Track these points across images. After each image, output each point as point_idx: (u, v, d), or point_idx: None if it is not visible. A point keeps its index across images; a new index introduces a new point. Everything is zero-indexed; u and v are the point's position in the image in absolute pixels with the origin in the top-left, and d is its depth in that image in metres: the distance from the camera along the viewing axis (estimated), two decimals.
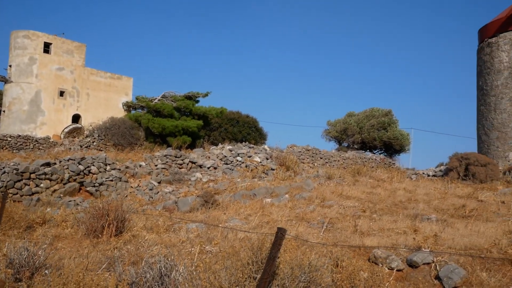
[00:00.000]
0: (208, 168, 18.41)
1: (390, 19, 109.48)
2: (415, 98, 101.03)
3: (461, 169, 18.21)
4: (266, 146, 22.92)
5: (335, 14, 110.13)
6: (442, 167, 20.87)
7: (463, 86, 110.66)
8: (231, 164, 18.72)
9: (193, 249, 7.78)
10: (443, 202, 13.49)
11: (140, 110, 31.86)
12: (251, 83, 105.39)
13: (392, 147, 35.08)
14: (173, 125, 27.10)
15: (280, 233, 4.03)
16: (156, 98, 30.59)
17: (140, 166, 17.88)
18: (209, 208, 12.33)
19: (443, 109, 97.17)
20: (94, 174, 16.10)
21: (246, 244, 5.55)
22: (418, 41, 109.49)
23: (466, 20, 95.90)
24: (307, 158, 24.48)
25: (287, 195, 13.81)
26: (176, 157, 18.51)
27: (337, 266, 6.98)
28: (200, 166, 18.60)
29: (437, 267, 7.16)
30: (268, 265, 4.01)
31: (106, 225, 8.65)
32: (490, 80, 24.14)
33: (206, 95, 30.79)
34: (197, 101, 30.86)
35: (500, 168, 18.73)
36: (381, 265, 7.33)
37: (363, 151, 31.85)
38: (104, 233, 8.60)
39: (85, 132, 29.86)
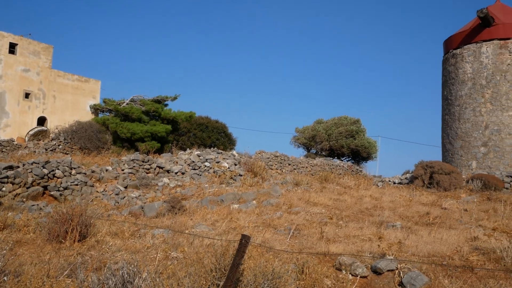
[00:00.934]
0: (176, 173, 18.28)
1: (358, 30, 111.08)
2: (382, 107, 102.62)
3: (426, 177, 18.53)
4: (234, 152, 22.90)
5: (306, 19, 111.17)
6: (408, 174, 21.19)
7: (429, 96, 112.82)
8: (199, 170, 18.63)
9: (158, 255, 7.69)
10: (408, 209, 13.70)
11: (108, 114, 31.44)
12: (221, 88, 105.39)
13: (360, 155, 35.49)
14: (142, 130, 26.82)
15: (244, 240, 4.01)
16: (124, 102, 30.24)
17: (106, 170, 17.63)
18: (176, 213, 12.23)
19: (410, 118, 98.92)
20: (58, 178, 15.80)
21: (210, 250, 5.52)
22: (385, 51, 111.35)
23: (432, 31, 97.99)
24: (276, 164, 24.54)
25: (254, 201, 13.81)
26: (143, 161, 18.32)
27: (302, 273, 7.00)
28: (168, 171, 18.45)
29: (401, 274, 7.25)
30: (232, 272, 3.99)
31: (70, 230, 8.48)
32: (455, 90, 24.68)
33: (175, 98, 30.57)
34: (166, 105, 30.62)
35: (463, 176, 19.13)
36: (345, 272, 7.38)
37: (331, 158, 32.12)
38: (67, 238, 8.42)
39: (50, 135, 29.27)
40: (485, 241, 9.04)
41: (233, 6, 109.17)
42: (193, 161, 18.94)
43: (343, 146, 34.78)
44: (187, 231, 9.96)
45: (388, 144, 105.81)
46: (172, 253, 7.67)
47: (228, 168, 18.98)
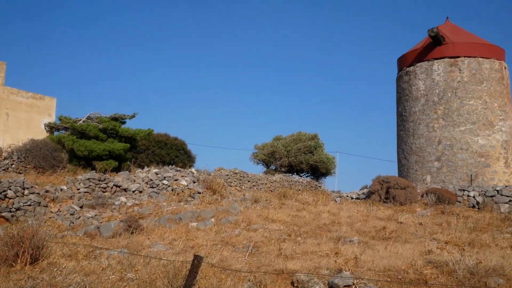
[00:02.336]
0: (133, 191, 18.02)
1: (315, 46, 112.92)
2: (340, 122, 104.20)
3: (383, 192, 18.86)
4: (193, 169, 22.75)
5: (264, 35, 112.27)
6: (365, 190, 21.52)
7: (385, 112, 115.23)
8: (157, 188, 18.42)
9: (113, 276, 7.54)
10: (365, 224, 13.90)
11: (63, 132, 30.75)
12: (180, 105, 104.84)
13: (319, 170, 35.83)
14: (99, 148, 26.30)
15: (197, 261, 3.98)
16: (81, 119, 29.68)
17: (61, 190, 17.21)
18: (133, 233, 12.03)
19: (367, 134, 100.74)
20: (10, 198, 15.31)
21: (162, 271, 5.45)
22: (341, 67, 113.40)
23: (387, 49, 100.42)
24: (235, 181, 24.51)
25: (213, 219, 13.74)
26: (100, 180, 17.98)
27: None
28: (125, 190, 18.16)
29: None
30: None
31: (21, 253, 8.21)
32: (409, 106, 25.33)
33: (133, 116, 30.19)
34: (124, 123, 30.19)
35: (418, 190, 19.55)
36: None
37: (290, 174, 32.31)
38: (18, 261, 8.16)
39: (3, 154, 28.38)
40: (438, 254, 9.25)
41: (188, 23, 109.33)
42: (151, 179, 18.71)
43: (302, 162, 35.05)
44: (144, 251, 9.81)
45: (346, 160, 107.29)
46: (128, 274, 7.53)
47: (187, 185, 18.84)
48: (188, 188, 18.53)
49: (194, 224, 13.24)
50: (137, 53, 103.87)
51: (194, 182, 19.57)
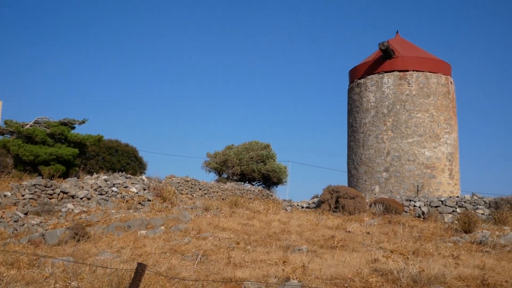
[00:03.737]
0: (81, 198, 17.60)
1: (269, 56, 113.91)
2: (292, 132, 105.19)
3: (332, 201, 19.15)
4: (144, 177, 22.45)
5: (220, 45, 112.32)
6: (315, 199, 21.78)
7: (337, 123, 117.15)
8: (106, 195, 18.06)
9: (57, 285, 7.34)
10: (315, 233, 14.06)
11: (9, 136, 29.75)
12: (131, 112, 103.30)
13: (270, 179, 36.04)
14: (46, 153, 25.55)
15: (140, 269, 3.93)
16: (28, 124, 28.80)
17: (4, 196, 16.63)
18: (79, 240, 11.75)
19: (319, 144, 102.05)
20: None
21: (105, 280, 5.34)
22: (294, 78, 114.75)
23: (338, 61, 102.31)
24: (186, 189, 24.34)
25: (162, 227, 13.59)
26: (46, 186, 17.48)
27: None
28: (73, 197, 17.72)
29: None
30: None
31: None
32: (359, 118, 25.86)
33: (83, 122, 29.52)
34: (73, 128, 29.48)
35: (367, 200, 19.95)
36: None
37: (242, 183, 32.35)
38: None
39: None
40: (384, 263, 9.46)
41: (142, 27, 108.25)
42: (100, 186, 18.33)
43: (254, 171, 35.18)
44: (90, 259, 9.60)
45: (298, 169, 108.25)
46: (72, 283, 7.35)
47: (137, 193, 18.57)
48: (138, 196, 18.27)
49: (143, 232, 13.06)
50: (88, 57, 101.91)
51: (144, 190, 19.31)
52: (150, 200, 17.98)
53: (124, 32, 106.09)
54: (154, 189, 19.64)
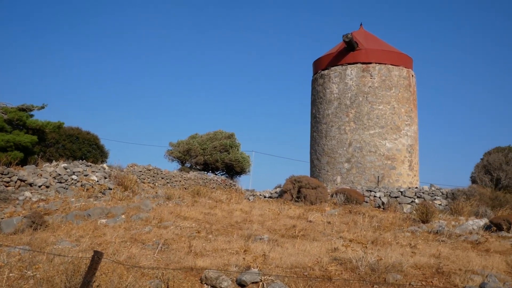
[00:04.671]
0: (40, 186, 17.22)
1: (234, 45, 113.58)
2: (256, 122, 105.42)
3: (294, 191, 19.28)
4: (105, 165, 22.11)
5: (183, 33, 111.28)
6: (278, 189, 21.89)
7: (300, 113, 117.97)
8: (66, 183, 17.72)
9: (11, 274, 7.17)
10: (276, 222, 14.14)
11: None
12: (93, 99, 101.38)
13: (234, 169, 36.05)
14: (3, 140, 24.88)
15: (97, 257, 3.87)
16: None
17: None
18: (37, 229, 11.50)
19: (283, 134, 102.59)
20: None
21: (61, 269, 5.25)
22: (260, 68, 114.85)
23: (303, 51, 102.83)
24: (148, 178, 24.11)
25: (123, 216, 13.43)
26: (2, 174, 17.03)
27: None
28: (31, 185, 17.32)
29: (265, 286, 7.46)
30: None
31: None
32: (322, 109, 26.07)
33: (42, 107, 28.76)
34: (32, 115, 28.74)
35: (328, 190, 20.18)
36: (211, 286, 7.44)
37: (205, 172, 32.25)
38: None
39: None
40: (343, 252, 9.59)
41: (103, 6, 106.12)
42: (59, 174, 17.97)
43: (217, 161, 35.12)
44: (48, 248, 9.41)
45: (262, 159, 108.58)
46: (28, 272, 7.19)
47: (97, 181, 18.29)
48: (99, 184, 18.00)
49: (104, 220, 12.88)
50: (48, 40, 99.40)
51: (105, 178, 19.04)
52: (111, 189, 17.75)
53: (83, 13, 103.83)
54: (115, 178, 19.39)
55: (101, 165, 21.86)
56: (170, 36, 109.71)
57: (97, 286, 4.70)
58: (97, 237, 10.85)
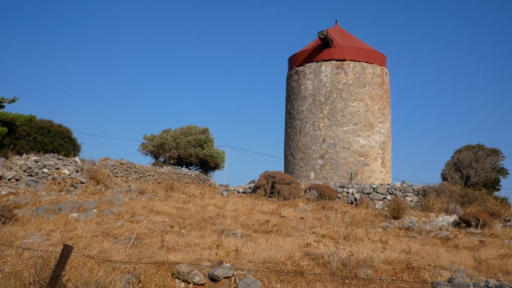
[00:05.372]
0: (9, 179, 16.91)
1: (210, 40, 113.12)
2: (231, 117, 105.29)
3: (268, 186, 19.33)
4: (77, 158, 21.83)
5: (155, 27, 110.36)
6: (252, 184, 21.92)
7: (275, 109, 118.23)
8: (36, 176, 17.44)
9: None
10: (250, 218, 14.17)
11: None
12: (64, 91, 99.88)
13: (208, 164, 36.00)
14: None
15: (66, 250, 3.83)
16: None
17: None
18: (6, 223, 11.30)
19: (257, 129, 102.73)
20: None
21: (30, 263, 5.17)
22: (234, 63, 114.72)
23: (278, 47, 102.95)
24: (121, 172, 23.90)
25: (95, 210, 13.28)
26: None
27: (140, 282, 6.90)
28: (0, 178, 17.00)
29: (237, 281, 7.48)
30: (51, 284, 3.78)
31: None
32: (297, 105, 26.17)
33: (13, 101, 28.23)
34: (3, 107, 28.21)
35: (302, 186, 20.27)
36: (183, 280, 7.43)
37: (178, 167, 32.11)
38: None
39: None
40: (315, 247, 9.67)
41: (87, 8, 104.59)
42: (30, 167, 17.67)
43: (191, 155, 35.00)
44: (17, 242, 9.26)
45: (236, 154, 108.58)
46: None
47: (69, 175, 18.04)
48: (71, 178, 17.76)
49: (75, 214, 12.72)
50: (20, 33, 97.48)
51: (77, 172, 18.79)
52: (83, 183, 17.53)
53: (54, 5, 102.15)
54: (87, 171, 19.15)
55: (73, 158, 21.58)
56: (143, 31, 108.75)
57: (67, 280, 4.64)
58: (68, 231, 10.72)
